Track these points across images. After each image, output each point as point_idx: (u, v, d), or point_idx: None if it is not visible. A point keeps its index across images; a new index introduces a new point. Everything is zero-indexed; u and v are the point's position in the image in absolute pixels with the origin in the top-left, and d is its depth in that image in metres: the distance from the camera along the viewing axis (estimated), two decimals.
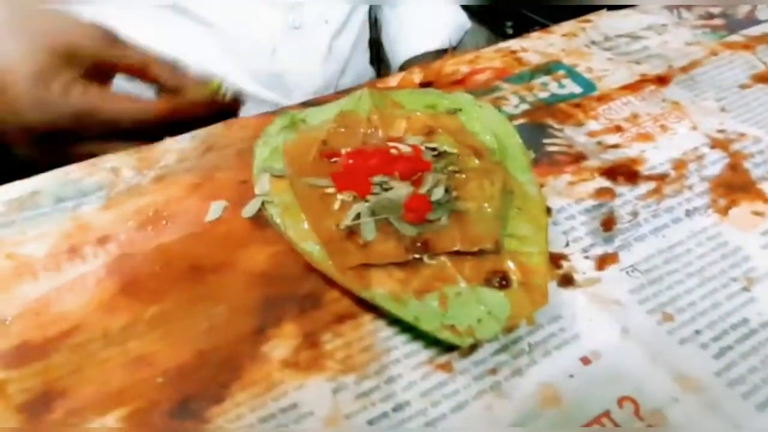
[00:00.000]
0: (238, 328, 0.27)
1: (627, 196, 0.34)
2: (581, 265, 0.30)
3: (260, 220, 0.33)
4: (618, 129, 0.39)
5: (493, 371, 0.25)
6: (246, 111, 0.41)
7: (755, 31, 0.48)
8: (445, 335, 0.26)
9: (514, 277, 0.29)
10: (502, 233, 0.31)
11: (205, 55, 0.48)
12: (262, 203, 0.33)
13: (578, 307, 0.28)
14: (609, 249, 0.31)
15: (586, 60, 0.45)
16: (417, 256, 0.30)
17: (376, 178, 0.33)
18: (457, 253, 0.30)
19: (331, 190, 0.33)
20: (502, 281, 0.29)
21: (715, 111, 0.40)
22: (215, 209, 0.33)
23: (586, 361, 0.26)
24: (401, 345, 0.27)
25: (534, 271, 0.29)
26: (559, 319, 0.27)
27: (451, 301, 0.28)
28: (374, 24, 0.68)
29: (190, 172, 0.36)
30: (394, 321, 0.27)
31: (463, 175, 0.34)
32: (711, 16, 0.51)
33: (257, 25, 0.50)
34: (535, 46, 0.47)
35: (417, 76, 0.44)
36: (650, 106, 0.41)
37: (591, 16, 0.51)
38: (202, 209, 0.33)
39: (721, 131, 0.38)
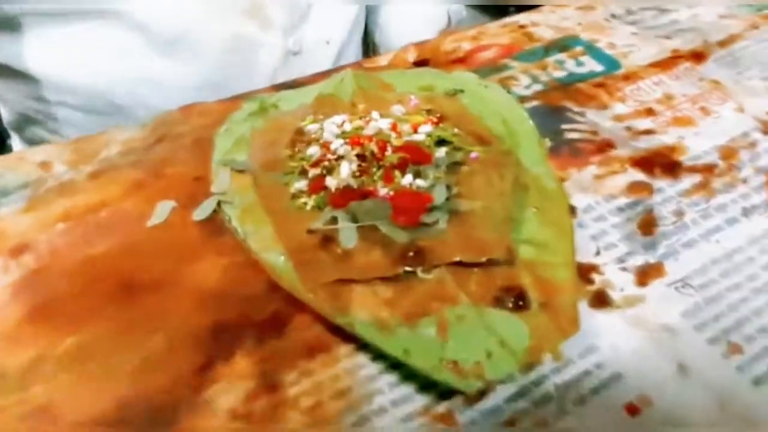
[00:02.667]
0: (178, 366, 0.21)
1: (668, 191, 0.27)
2: (618, 280, 0.24)
3: (215, 224, 0.26)
4: (649, 112, 0.33)
5: (510, 424, 0.19)
6: None
7: None
8: (445, 376, 0.20)
9: (533, 295, 0.22)
10: (515, 239, 0.25)
11: (199, 86, 0.43)
12: (218, 204, 0.27)
13: (618, 335, 0.22)
14: (651, 258, 0.24)
15: (606, 35, 0.39)
16: (409, 268, 0.23)
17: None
18: (460, 264, 0.24)
19: (302, 187, 0.27)
20: (518, 301, 0.22)
21: (763, 91, 0.34)
22: (161, 211, 0.27)
23: (632, 409, 0.19)
24: (388, 388, 0.20)
25: (559, 287, 0.22)
26: (594, 351, 0.21)
27: (452, 327, 0.21)
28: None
29: (134, 167, 0.30)
30: (380, 354, 0.21)
31: (466, 168, 0.28)
32: None
33: (254, 52, 0.44)
34: (548, 20, 0.41)
35: (411, 54, 0.38)
36: (686, 86, 0.34)
37: None
38: (146, 212, 0.27)
39: None
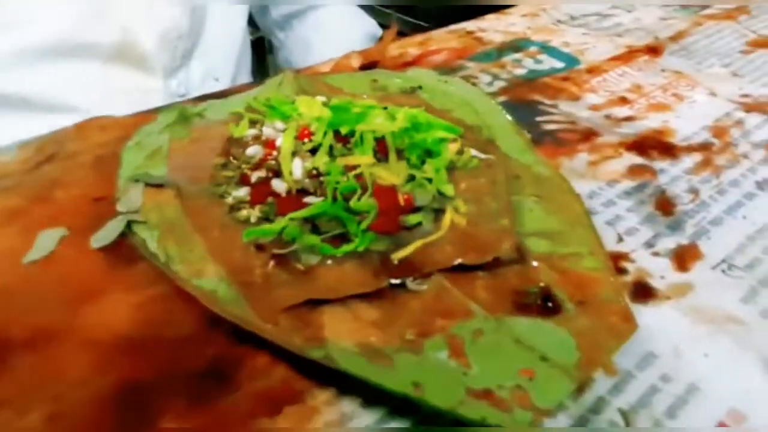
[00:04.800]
0: None
1: (672, 171, 0.24)
2: (654, 266, 0.19)
3: (123, 252, 0.19)
4: (624, 101, 0.30)
5: None
6: None
7: (731, 3, 0.42)
8: (480, 412, 0.14)
9: (563, 293, 0.17)
10: (520, 232, 0.20)
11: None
12: (128, 225, 0.20)
13: (677, 332, 0.17)
14: (682, 240, 0.20)
15: (558, 36, 0.37)
16: (396, 281, 0.18)
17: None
18: (459, 269, 0.18)
19: (243, 196, 0.21)
20: (546, 302, 0.17)
21: (728, 76, 0.32)
22: (44, 242, 0.20)
23: (724, 427, 0.14)
24: None
25: (592, 280, 0.18)
26: (654, 359, 0.16)
27: (469, 346, 0.16)
28: (270, 50, 0.59)
29: (9, 193, 0.22)
30: (376, 397, 0.15)
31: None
32: None
33: (136, 101, 0.38)
34: (494, 26, 0.38)
35: (355, 60, 0.33)
36: (650, 76, 0.32)
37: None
38: (25, 245, 0.20)
39: (745, 95, 0.30)
